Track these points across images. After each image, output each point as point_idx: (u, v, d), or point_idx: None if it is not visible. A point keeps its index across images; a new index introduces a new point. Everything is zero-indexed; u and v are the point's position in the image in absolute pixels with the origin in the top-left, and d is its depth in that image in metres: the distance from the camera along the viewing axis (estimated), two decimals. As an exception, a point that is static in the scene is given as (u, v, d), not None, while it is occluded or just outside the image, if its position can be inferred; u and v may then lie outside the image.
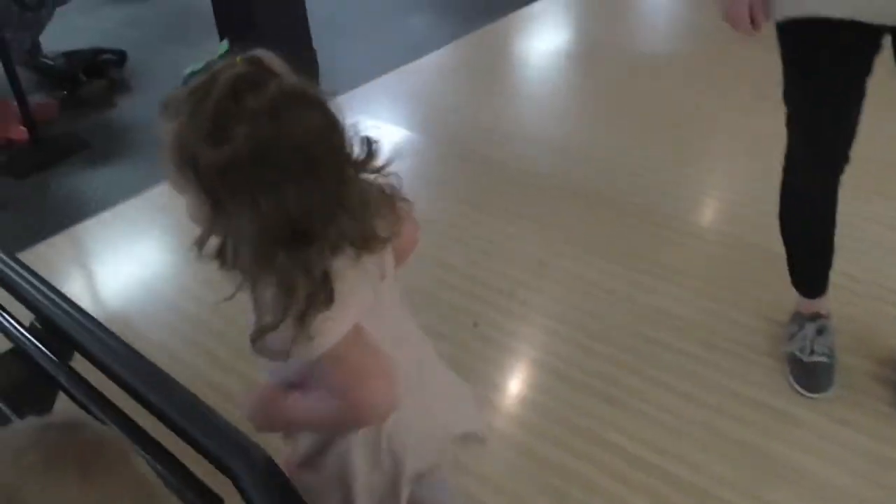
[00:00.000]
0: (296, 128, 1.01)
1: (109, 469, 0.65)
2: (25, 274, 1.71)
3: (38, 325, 1.65)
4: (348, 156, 1.09)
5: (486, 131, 3.53)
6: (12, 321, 1.67)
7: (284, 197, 1.01)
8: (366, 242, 1.10)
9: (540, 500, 1.90)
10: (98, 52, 4.20)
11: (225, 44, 0.94)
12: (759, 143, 2.71)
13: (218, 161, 0.99)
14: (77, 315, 1.63)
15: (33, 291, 1.67)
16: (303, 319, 1.04)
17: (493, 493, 1.92)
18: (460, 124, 3.62)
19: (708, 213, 3.01)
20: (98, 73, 4.13)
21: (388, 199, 1.16)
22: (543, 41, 4.56)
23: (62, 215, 3.22)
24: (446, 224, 2.87)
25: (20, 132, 3.66)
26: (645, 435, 2.03)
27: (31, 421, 0.70)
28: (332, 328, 1.08)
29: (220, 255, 1.09)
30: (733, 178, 3.13)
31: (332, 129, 1.06)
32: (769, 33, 1.81)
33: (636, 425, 2.06)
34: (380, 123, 3.57)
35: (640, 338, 2.32)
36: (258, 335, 1.09)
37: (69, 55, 4.16)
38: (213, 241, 1.09)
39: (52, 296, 1.67)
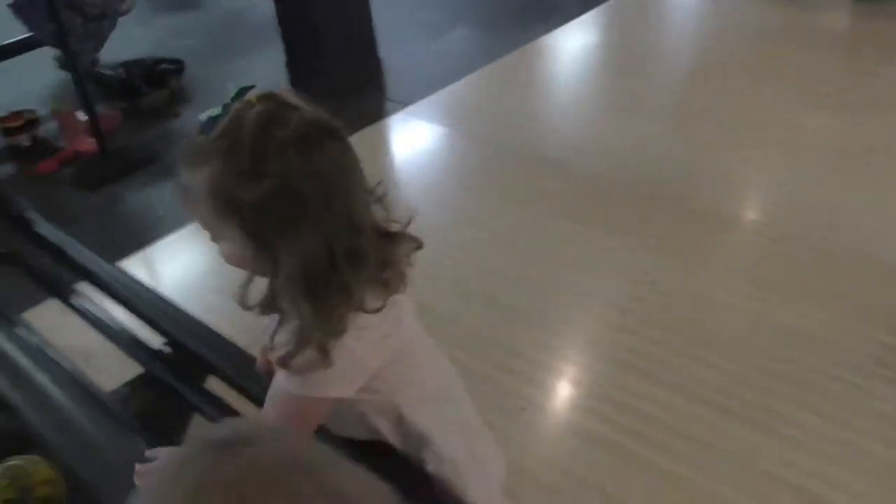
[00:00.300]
0: (326, 156, 1.04)
1: (270, 488, 0.61)
2: (154, 299, 1.67)
3: (169, 349, 1.61)
4: (366, 184, 1.11)
5: (559, 140, 3.48)
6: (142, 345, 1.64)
7: (323, 224, 1.03)
8: (388, 269, 1.11)
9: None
10: (157, 61, 4.17)
11: (235, 88, 0.95)
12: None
13: (261, 197, 1.01)
14: (209, 337, 1.59)
15: (164, 316, 1.63)
16: (328, 346, 1.05)
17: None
18: (530, 132, 3.57)
19: (827, 229, 2.81)
20: (158, 83, 4.10)
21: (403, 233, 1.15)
22: (600, 49, 4.50)
23: (134, 230, 3.19)
24: (550, 241, 2.81)
25: (89, 144, 3.64)
26: (792, 458, 1.96)
27: (197, 437, 0.68)
28: (338, 382, 1.10)
29: (267, 297, 1.10)
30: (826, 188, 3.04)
31: (355, 158, 1.09)
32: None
33: (782, 448, 1.99)
34: (451, 132, 3.53)
35: (772, 358, 2.26)
36: (291, 357, 1.07)
37: (128, 65, 4.14)
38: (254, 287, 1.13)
39: (182, 318, 1.64)
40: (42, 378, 1.63)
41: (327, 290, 1.04)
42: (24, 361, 1.71)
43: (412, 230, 1.15)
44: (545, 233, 2.88)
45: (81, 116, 3.73)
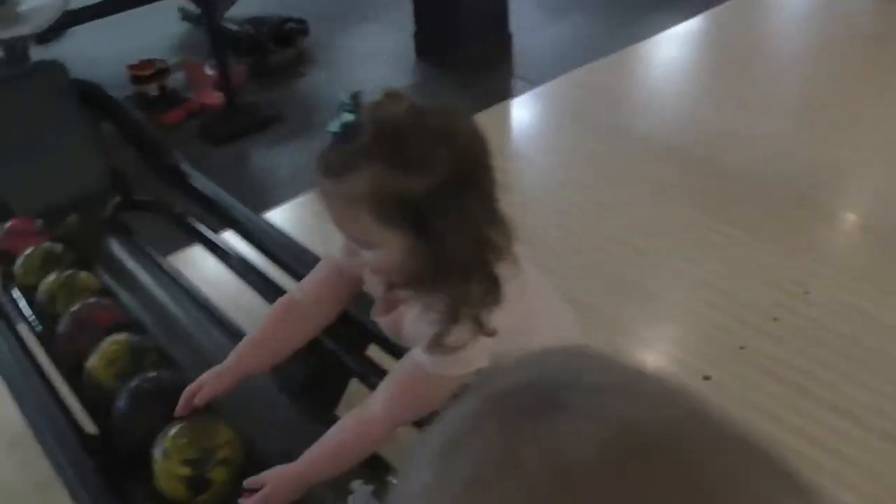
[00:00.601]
0: (471, 140, 1.07)
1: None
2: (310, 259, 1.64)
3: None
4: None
5: (685, 132, 3.35)
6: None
7: (480, 201, 1.07)
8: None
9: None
10: (283, 20, 4.15)
11: (347, 94, 0.92)
12: None
13: (431, 185, 1.02)
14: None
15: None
16: (482, 319, 1.08)
17: None
18: (666, 122, 3.45)
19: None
20: (285, 41, 4.09)
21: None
22: (733, 41, 4.32)
23: (259, 188, 3.19)
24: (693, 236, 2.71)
25: (215, 98, 3.66)
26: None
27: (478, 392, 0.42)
28: (480, 356, 1.10)
29: (417, 286, 1.11)
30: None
31: (486, 140, 1.10)
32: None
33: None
34: (577, 114, 3.43)
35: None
36: (444, 337, 1.09)
37: (255, 22, 4.14)
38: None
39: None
40: (204, 337, 1.63)
41: (482, 265, 1.08)
42: (185, 319, 1.72)
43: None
44: (677, 224, 2.78)
45: (209, 69, 3.76)
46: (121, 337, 1.47)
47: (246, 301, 1.89)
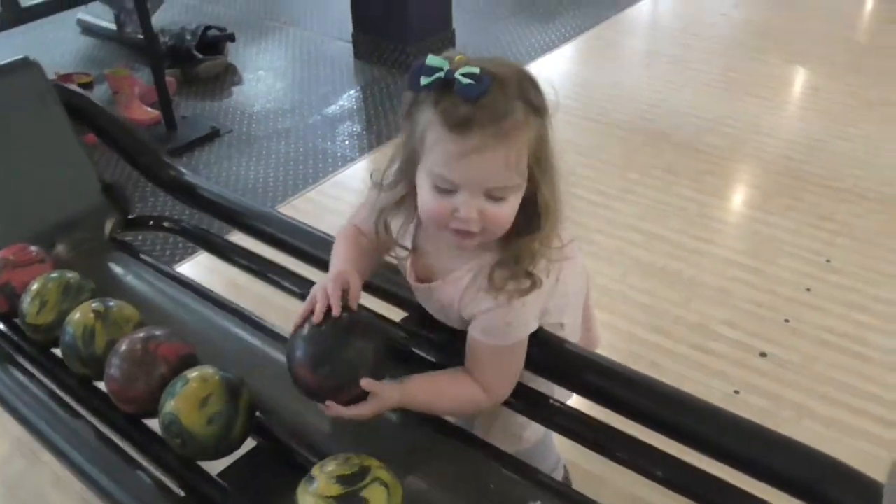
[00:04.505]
0: None
1: None
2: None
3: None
4: None
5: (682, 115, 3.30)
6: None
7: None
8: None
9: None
10: (205, 28, 3.84)
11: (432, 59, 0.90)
12: None
13: (546, 135, 1.07)
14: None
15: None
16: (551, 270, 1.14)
17: None
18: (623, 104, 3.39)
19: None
20: (211, 49, 3.78)
21: None
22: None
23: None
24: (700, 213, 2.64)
25: (145, 112, 3.32)
26: None
27: None
28: (534, 316, 1.17)
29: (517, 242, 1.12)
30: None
31: None
32: None
33: None
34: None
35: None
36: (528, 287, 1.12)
37: (171, 31, 3.81)
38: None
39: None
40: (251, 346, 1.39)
41: (554, 216, 1.10)
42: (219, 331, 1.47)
43: None
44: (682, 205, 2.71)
45: (136, 83, 3.42)
46: (207, 372, 1.21)
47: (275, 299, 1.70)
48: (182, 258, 2.40)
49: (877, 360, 2.08)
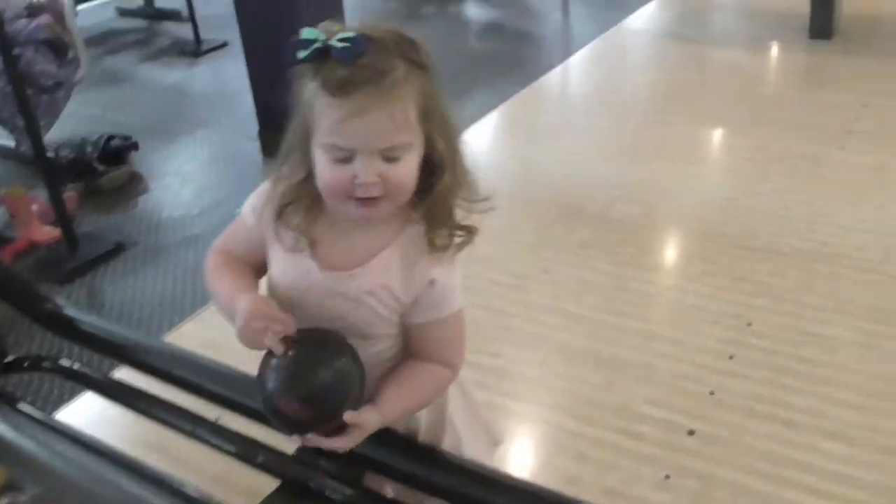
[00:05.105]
0: None
1: None
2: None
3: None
4: None
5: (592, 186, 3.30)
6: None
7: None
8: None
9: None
10: (108, 138, 3.74)
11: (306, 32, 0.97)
12: None
13: (437, 89, 1.08)
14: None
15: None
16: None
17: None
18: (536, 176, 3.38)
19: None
20: (114, 160, 3.68)
21: None
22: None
23: (125, 327, 2.76)
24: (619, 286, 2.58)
25: (45, 232, 3.19)
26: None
27: None
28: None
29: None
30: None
31: None
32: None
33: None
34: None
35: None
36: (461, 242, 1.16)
37: (78, 144, 3.70)
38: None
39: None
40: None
41: (454, 167, 1.11)
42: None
43: None
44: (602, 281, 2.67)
45: (33, 202, 3.29)
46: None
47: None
48: (72, 396, 2.25)
49: (805, 425, 2.04)
